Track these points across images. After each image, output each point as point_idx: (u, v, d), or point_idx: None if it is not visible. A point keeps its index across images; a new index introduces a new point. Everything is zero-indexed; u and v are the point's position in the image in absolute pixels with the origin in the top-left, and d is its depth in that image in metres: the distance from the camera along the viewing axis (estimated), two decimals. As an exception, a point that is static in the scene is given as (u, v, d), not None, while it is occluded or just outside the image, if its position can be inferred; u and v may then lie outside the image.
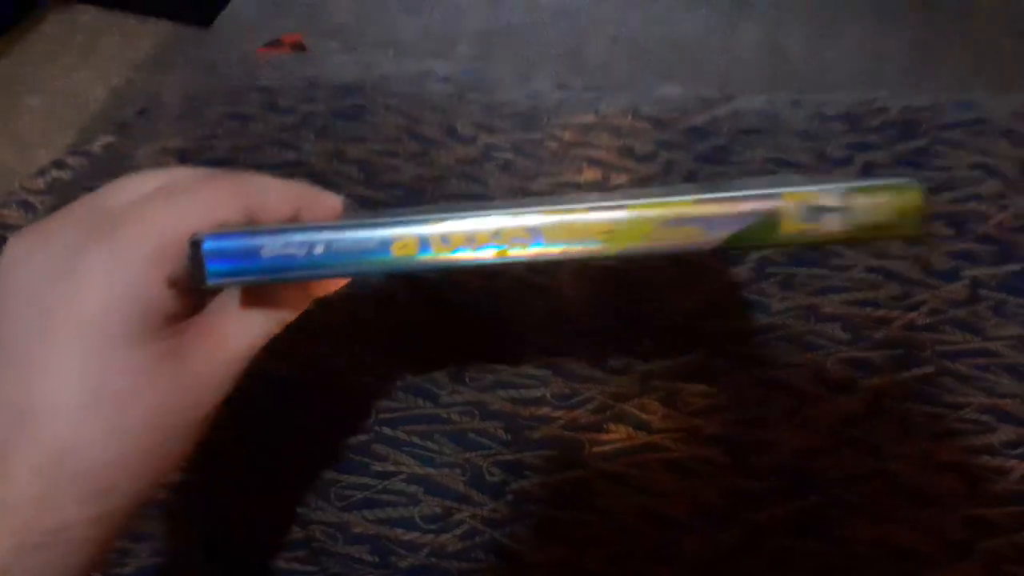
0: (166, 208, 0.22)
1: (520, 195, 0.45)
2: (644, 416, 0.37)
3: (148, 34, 1.12)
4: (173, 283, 0.22)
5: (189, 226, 0.22)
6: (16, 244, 0.23)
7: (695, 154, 0.45)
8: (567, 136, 0.48)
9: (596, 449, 0.36)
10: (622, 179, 0.45)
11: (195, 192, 0.23)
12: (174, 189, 0.23)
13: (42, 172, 0.60)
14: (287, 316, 0.25)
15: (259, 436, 0.38)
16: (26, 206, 0.57)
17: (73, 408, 0.21)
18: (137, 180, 0.24)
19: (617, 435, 0.37)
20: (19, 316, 0.22)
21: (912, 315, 0.38)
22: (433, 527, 0.36)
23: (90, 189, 0.50)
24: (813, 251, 0.40)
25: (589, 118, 0.48)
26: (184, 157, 0.48)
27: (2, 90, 1.06)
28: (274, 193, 0.24)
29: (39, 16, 1.22)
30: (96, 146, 0.61)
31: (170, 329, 0.23)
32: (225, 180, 0.24)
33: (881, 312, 0.38)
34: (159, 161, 0.49)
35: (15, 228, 0.56)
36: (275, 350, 0.25)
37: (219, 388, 0.24)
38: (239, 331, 0.24)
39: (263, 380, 0.33)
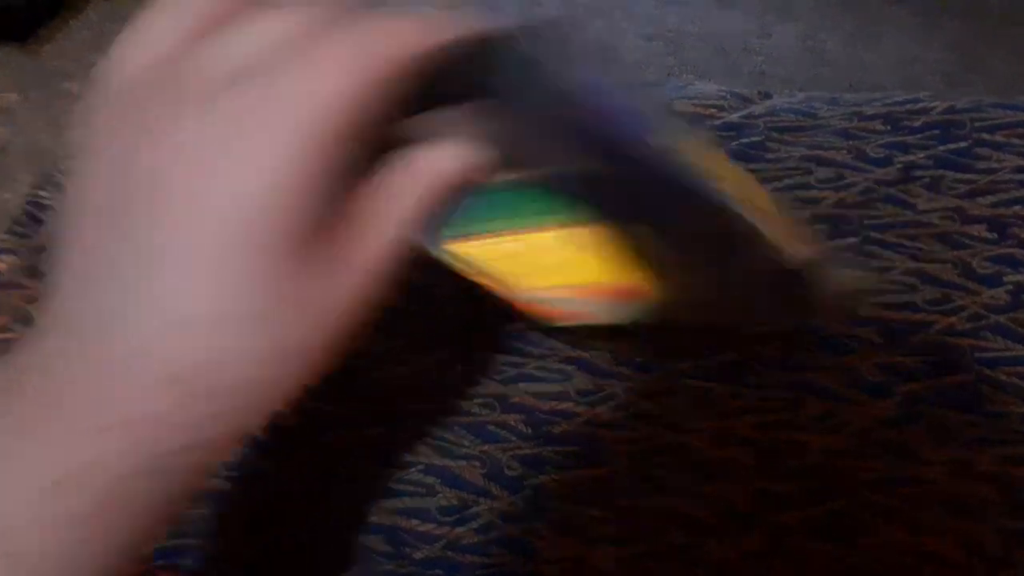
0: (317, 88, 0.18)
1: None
2: (670, 415, 0.36)
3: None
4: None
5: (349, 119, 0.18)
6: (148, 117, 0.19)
7: (730, 151, 0.44)
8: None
9: (620, 447, 0.35)
10: (653, 175, 0.44)
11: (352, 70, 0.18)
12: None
13: (77, 156, 0.60)
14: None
15: (278, 422, 0.38)
16: (61, 187, 0.58)
17: (227, 318, 0.18)
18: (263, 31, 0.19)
19: (641, 433, 0.36)
20: (154, 190, 0.18)
21: (951, 320, 0.36)
22: (449, 519, 0.35)
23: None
24: (849, 252, 0.39)
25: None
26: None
27: (44, 75, 1.08)
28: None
29: (82, 5, 1.25)
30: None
31: (324, 232, 0.19)
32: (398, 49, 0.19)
33: (919, 316, 0.37)
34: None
35: (50, 208, 0.57)
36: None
37: (363, 308, 0.20)
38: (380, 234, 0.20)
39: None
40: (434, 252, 0.21)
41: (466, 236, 0.21)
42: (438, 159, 0.20)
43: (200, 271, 0.18)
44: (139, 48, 0.20)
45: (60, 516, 0.18)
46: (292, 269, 0.18)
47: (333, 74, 0.18)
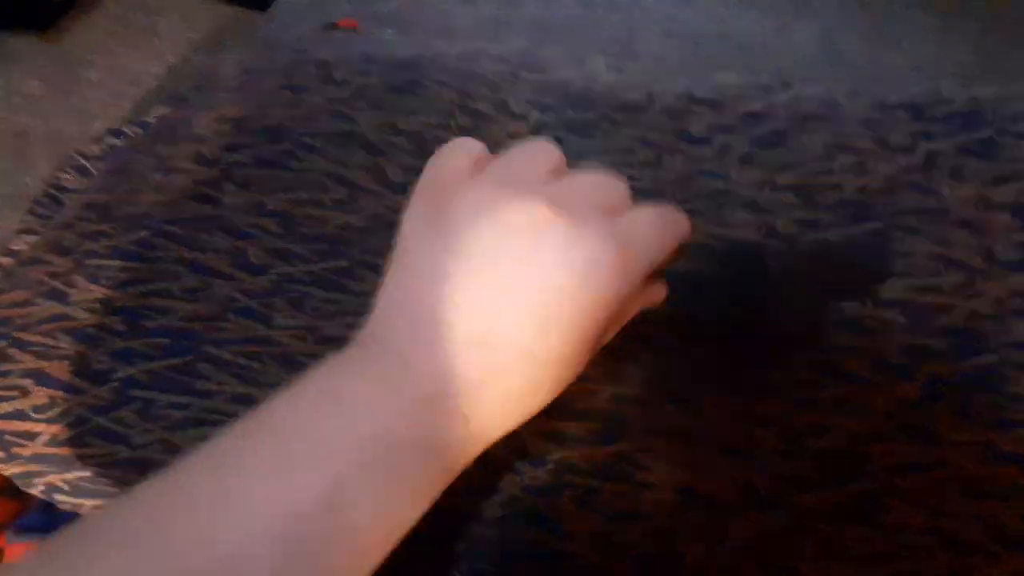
0: (656, 251, 0.28)
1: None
2: (690, 394, 0.36)
3: (207, 16, 1.16)
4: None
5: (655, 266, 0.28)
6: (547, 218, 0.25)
7: (752, 138, 0.44)
8: (619, 117, 0.47)
9: (639, 424, 0.35)
10: (676, 160, 0.45)
11: (668, 247, 0.29)
12: (656, 229, 0.28)
13: (98, 139, 0.61)
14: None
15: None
16: (82, 171, 0.58)
17: (548, 388, 0.27)
18: (538, 156, 0.29)
19: (665, 411, 0.36)
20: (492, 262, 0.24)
21: (975, 304, 0.36)
22: (472, 494, 0.35)
23: (146, 153, 0.51)
24: (872, 237, 0.39)
25: (643, 99, 0.48)
26: (238, 125, 0.49)
27: (64, 64, 1.10)
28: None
29: (102, -5, 1.27)
30: (152, 117, 0.62)
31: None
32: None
33: (943, 299, 0.37)
34: (217, 129, 0.50)
35: (71, 191, 0.57)
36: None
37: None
38: (613, 331, 0.31)
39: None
40: None
41: None
42: None
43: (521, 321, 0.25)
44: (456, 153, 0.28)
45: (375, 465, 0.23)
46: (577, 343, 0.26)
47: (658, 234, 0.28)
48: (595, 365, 0.38)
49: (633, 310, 0.31)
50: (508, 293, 0.24)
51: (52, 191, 0.57)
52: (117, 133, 0.61)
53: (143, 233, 0.45)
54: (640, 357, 0.37)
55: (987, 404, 0.34)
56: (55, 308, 0.42)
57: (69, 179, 0.58)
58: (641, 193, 0.43)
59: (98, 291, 0.42)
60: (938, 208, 0.40)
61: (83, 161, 0.59)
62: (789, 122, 0.44)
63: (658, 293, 0.32)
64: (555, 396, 0.27)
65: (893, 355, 0.36)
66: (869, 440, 0.34)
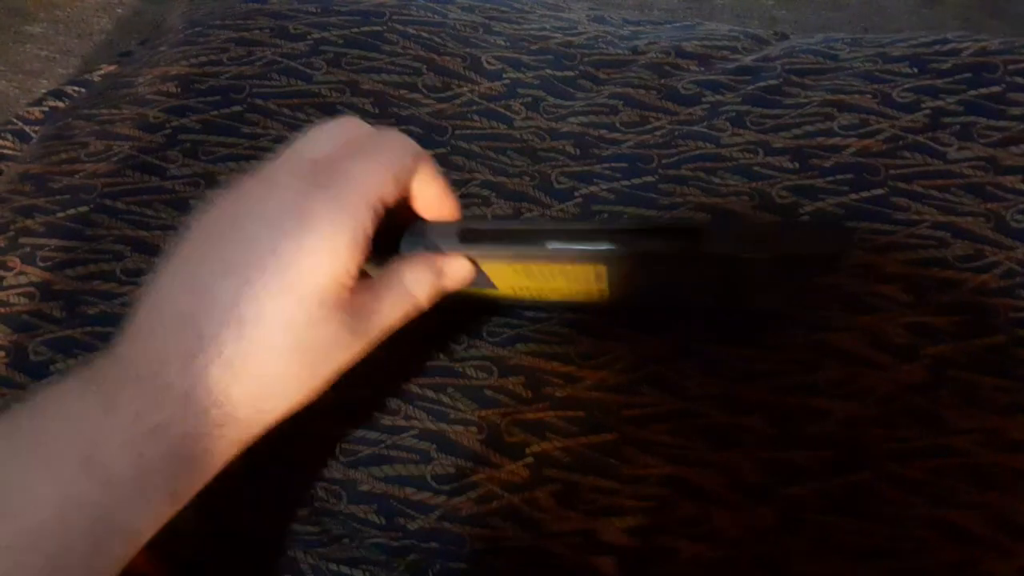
0: (371, 173, 0.25)
1: (547, 138, 0.41)
2: (678, 379, 0.34)
3: (158, -36, 1.08)
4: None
5: (384, 192, 0.25)
6: (249, 185, 0.25)
7: (744, 95, 0.41)
8: (602, 74, 0.44)
9: (626, 412, 0.33)
10: (662, 122, 0.41)
11: (387, 163, 0.25)
12: (371, 153, 0.25)
13: (39, 101, 0.56)
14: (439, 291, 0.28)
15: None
16: (21, 135, 0.54)
17: (278, 351, 0.24)
18: (325, 133, 0.27)
19: (647, 398, 0.33)
20: (249, 244, 0.23)
21: (983, 277, 0.34)
22: (445, 488, 0.33)
23: (86, 118, 0.47)
24: (874, 205, 0.36)
25: (627, 55, 0.44)
26: (185, 83, 0.45)
27: (4, 18, 1.02)
28: (435, 188, 0.27)
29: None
30: (96, 75, 0.57)
31: (357, 290, 0.25)
32: (411, 160, 0.26)
33: (949, 273, 0.34)
34: (159, 88, 0.45)
35: (9, 158, 0.53)
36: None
37: (370, 346, 0.26)
38: (401, 299, 0.27)
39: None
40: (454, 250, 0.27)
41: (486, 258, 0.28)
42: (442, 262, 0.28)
43: (276, 308, 0.23)
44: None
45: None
46: (339, 318, 0.25)
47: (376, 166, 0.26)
48: (573, 348, 0.35)
49: (418, 285, 0.28)
50: (211, 263, 0.24)
51: (-11, 158, 0.53)
52: (59, 94, 0.56)
53: (82, 208, 0.41)
54: (620, 338, 0.35)
55: (996, 388, 0.31)
56: (-13, 293, 0.39)
57: (7, 145, 0.53)
58: (625, 157, 0.40)
59: (34, 273, 0.39)
60: (944, 171, 0.37)
61: (22, 125, 0.54)
62: (784, 78, 0.41)
63: (458, 271, 0.28)
64: (320, 372, 0.25)
65: (895, 335, 0.33)
66: (868, 426, 0.32)
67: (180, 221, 0.39)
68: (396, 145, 0.26)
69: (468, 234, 0.27)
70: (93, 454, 0.22)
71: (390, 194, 0.25)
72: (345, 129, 0.27)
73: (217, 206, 0.25)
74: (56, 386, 0.23)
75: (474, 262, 0.28)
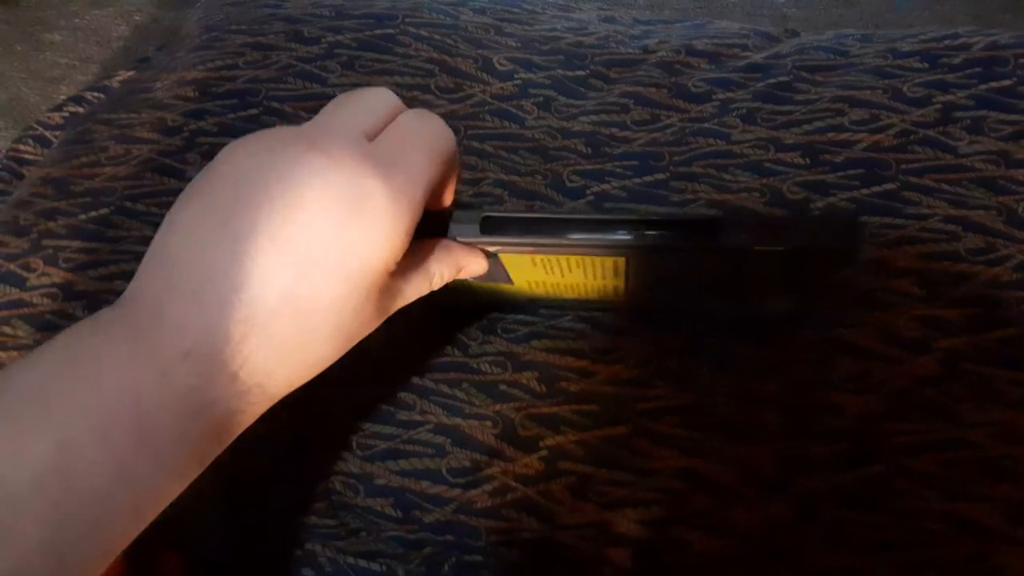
0: (428, 162, 0.25)
1: (559, 137, 0.42)
2: (692, 374, 0.34)
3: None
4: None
5: (435, 182, 0.25)
6: (299, 150, 0.23)
7: (754, 92, 0.41)
8: (612, 73, 0.44)
9: (640, 406, 0.33)
10: (672, 120, 0.41)
11: (439, 153, 0.25)
12: (426, 140, 0.25)
13: (59, 107, 0.57)
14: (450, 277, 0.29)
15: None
16: (42, 141, 0.55)
17: (325, 335, 0.24)
18: (368, 104, 0.26)
19: (661, 392, 0.34)
20: (307, 226, 0.23)
21: (995, 270, 0.34)
22: (461, 481, 0.33)
23: (105, 122, 0.48)
24: (886, 199, 0.36)
25: (637, 54, 0.44)
26: (202, 88, 0.45)
27: (25, 27, 1.04)
28: (454, 177, 0.27)
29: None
30: (115, 81, 0.58)
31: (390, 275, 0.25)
32: (455, 150, 0.26)
33: (961, 266, 0.34)
34: (178, 93, 0.46)
35: (31, 163, 0.54)
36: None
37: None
38: (422, 282, 0.27)
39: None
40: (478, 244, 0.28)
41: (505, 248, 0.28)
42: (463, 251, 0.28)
43: (328, 295, 0.23)
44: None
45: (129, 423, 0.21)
46: (375, 306, 0.25)
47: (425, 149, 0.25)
48: (587, 344, 0.35)
49: (439, 271, 0.28)
50: (265, 238, 0.22)
51: (11, 164, 0.54)
52: (79, 100, 0.57)
53: (103, 210, 0.42)
54: (634, 334, 0.35)
55: (1009, 381, 0.32)
56: (12, 294, 0.39)
57: (29, 151, 0.54)
58: (636, 155, 0.40)
59: (57, 275, 0.40)
60: (955, 165, 0.37)
61: (43, 131, 0.55)
62: (795, 74, 0.41)
63: (475, 263, 0.29)
64: (345, 348, 0.25)
65: (908, 328, 0.33)
66: (882, 420, 0.32)
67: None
68: (445, 133, 0.26)
69: (490, 222, 0.27)
70: (145, 427, 0.21)
71: (438, 183, 0.25)
72: (385, 102, 0.26)
73: (262, 163, 0.23)
74: (106, 347, 0.22)
75: (493, 254, 0.29)
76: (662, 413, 0.33)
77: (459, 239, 0.28)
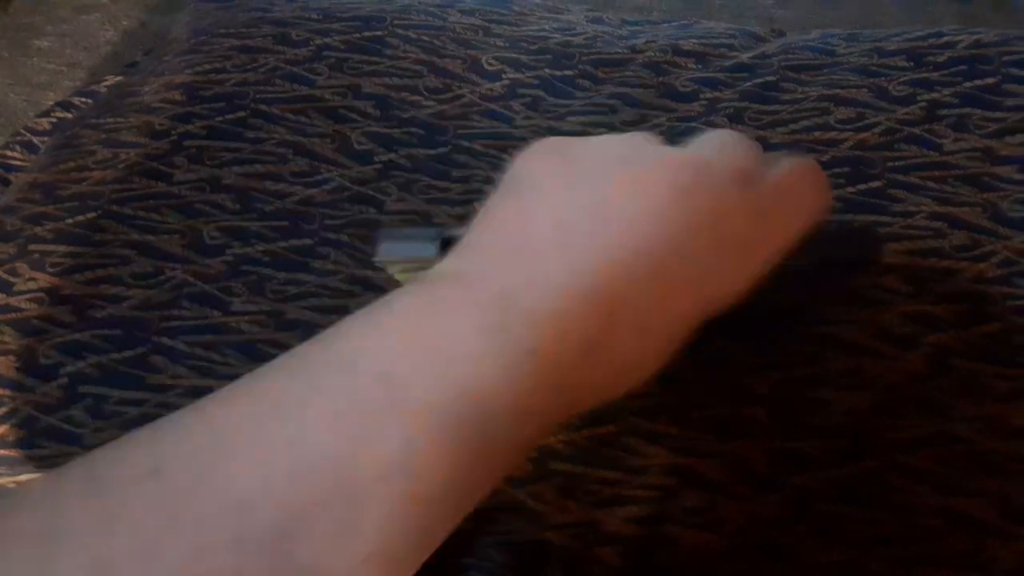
0: (795, 227, 0.24)
1: (548, 136, 0.42)
2: (683, 372, 0.34)
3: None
4: None
5: None
6: (697, 192, 0.23)
7: (741, 92, 0.41)
8: (600, 73, 0.44)
9: (630, 404, 0.33)
10: (660, 120, 0.42)
11: (807, 217, 0.25)
12: (801, 203, 0.25)
13: (47, 112, 0.57)
14: None
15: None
16: (30, 147, 0.54)
17: (649, 368, 0.23)
18: (738, 146, 0.25)
19: (653, 390, 0.34)
20: (693, 260, 0.22)
21: (981, 266, 0.34)
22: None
23: (93, 127, 0.48)
24: (872, 197, 0.37)
25: (625, 54, 0.44)
26: (190, 91, 0.45)
27: (12, 33, 1.03)
28: None
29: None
30: (103, 86, 0.58)
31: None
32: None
33: (946, 263, 0.34)
34: (166, 97, 0.46)
35: (18, 169, 0.54)
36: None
37: None
38: None
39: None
40: None
41: None
42: None
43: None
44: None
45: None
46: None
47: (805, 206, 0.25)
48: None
49: None
50: (638, 254, 0.22)
51: (-2, 169, 0.53)
52: (66, 106, 0.57)
53: (90, 215, 0.41)
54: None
55: (996, 375, 0.32)
56: (-2, 299, 0.39)
57: (16, 156, 0.54)
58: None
59: (43, 279, 0.39)
60: (940, 163, 0.37)
61: (30, 136, 0.55)
62: (781, 73, 0.41)
63: None
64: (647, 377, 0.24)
65: (896, 324, 0.33)
66: (873, 415, 0.32)
67: (187, 225, 0.40)
68: (818, 198, 0.25)
69: (450, 244, 0.27)
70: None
71: None
72: (748, 146, 0.25)
73: (669, 201, 0.22)
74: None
75: None
76: (652, 411, 0.33)
77: (413, 257, 0.27)
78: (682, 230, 0.22)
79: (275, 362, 0.21)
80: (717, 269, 0.23)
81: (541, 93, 0.43)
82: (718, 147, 0.24)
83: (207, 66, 0.46)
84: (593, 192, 0.23)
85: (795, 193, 0.25)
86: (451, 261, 0.23)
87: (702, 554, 0.31)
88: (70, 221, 0.42)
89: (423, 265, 0.26)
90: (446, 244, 0.26)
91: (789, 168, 0.25)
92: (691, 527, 0.32)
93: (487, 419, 0.19)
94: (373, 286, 0.37)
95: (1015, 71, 0.39)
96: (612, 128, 0.41)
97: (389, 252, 0.28)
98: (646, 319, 0.22)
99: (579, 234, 0.22)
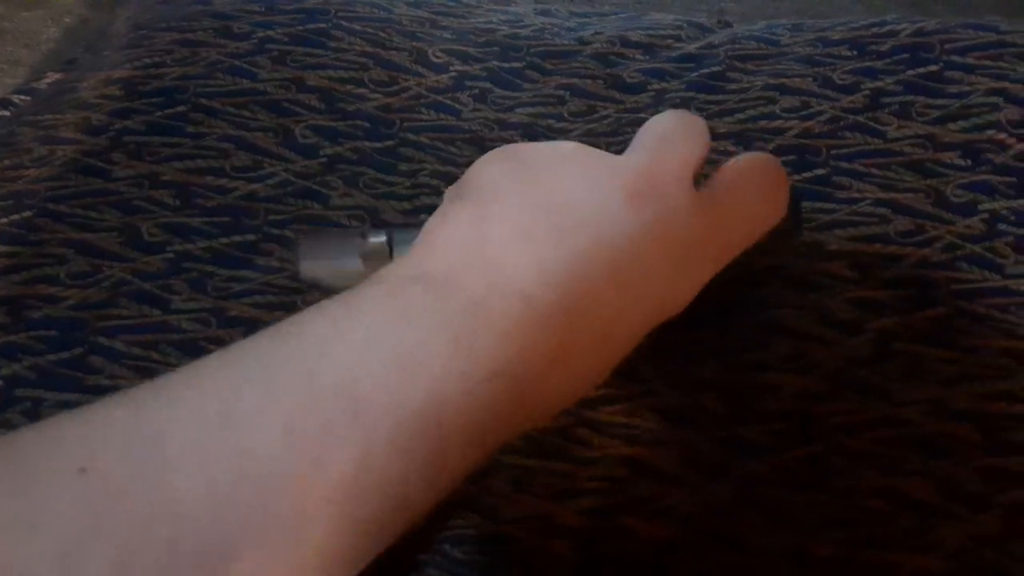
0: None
1: (496, 128, 0.41)
2: (632, 363, 0.34)
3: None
4: None
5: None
6: (645, 194, 0.23)
7: (688, 83, 0.41)
8: (548, 65, 0.44)
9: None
10: (609, 111, 0.41)
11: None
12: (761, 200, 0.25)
13: (-16, 111, 0.55)
14: None
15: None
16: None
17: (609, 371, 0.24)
18: (675, 145, 0.24)
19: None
20: (647, 271, 0.22)
21: (925, 251, 0.34)
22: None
23: (30, 124, 0.46)
24: (817, 184, 0.37)
25: (573, 45, 0.44)
26: (129, 86, 0.44)
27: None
28: None
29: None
30: (43, 83, 0.56)
31: None
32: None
33: (891, 249, 0.35)
34: (104, 92, 0.45)
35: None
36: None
37: None
38: None
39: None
40: None
41: None
42: None
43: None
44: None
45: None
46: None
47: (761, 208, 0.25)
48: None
49: None
50: (597, 264, 0.22)
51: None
52: (5, 103, 0.55)
53: (25, 213, 0.40)
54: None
55: (939, 359, 0.32)
56: (-74, 302, 0.38)
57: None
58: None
59: (-25, 281, 0.38)
60: (884, 150, 0.37)
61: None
62: (728, 63, 0.41)
63: None
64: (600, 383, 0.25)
65: (840, 310, 0.33)
66: (818, 400, 0.32)
67: (125, 222, 0.39)
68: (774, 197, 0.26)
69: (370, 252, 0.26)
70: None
71: None
72: (696, 132, 0.25)
73: (623, 204, 0.22)
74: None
75: None
76: (603, 402, 0.33)
77: (338, 270, 0.26)
78: (636, 236, 0.22)
79: (224, 354, 0.20)
80: (671, 275, 0.23)
81: (489, 85, 0.43)
82: (666, 143, 0.24)
83: (147, 60, 0.45)
84: (550, 193, 0.22)
85: (750, 191, 0.25)
86: (412, 261, 0.23)
87: (655, 544, 0.31)
88: (5, 220, 0.40)
89: (350, 278, 0.25)
90: (368, 254, 0.26)
91: (743, 165, 0.25)
92: (643, 517, 0.32)
93: (444, 439, 0.19)
94: (320, 284, 0.36)
95: (957, 59, 0.40)
96: (560, 119, 0.41)
97: (311, 271, 0.27)
98: (607, 328, 0.22)
99: (540, 237, 0.22)
